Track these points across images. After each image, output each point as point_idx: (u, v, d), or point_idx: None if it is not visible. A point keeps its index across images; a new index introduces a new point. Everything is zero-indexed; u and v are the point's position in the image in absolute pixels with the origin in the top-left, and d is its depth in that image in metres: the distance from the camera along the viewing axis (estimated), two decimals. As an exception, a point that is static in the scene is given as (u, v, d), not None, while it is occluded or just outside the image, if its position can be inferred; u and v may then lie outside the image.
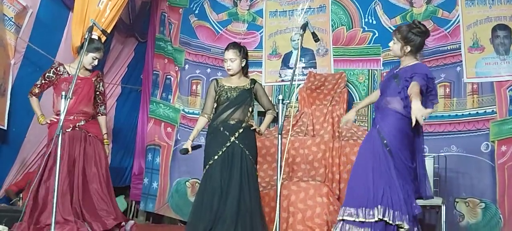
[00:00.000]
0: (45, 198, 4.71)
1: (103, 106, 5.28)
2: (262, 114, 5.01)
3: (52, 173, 4.64)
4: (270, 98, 4.88)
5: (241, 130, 4.48)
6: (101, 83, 5.24)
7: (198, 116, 6.80)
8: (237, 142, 4.44)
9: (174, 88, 7.09)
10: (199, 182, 6.51)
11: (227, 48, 4.67)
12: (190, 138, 4.64)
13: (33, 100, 5.05)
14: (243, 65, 4.62)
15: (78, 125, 4.99)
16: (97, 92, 5.20)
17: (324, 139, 5.64)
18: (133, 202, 7.19)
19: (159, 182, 6.85)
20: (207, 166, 4.47)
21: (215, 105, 4.64)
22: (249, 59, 4.86)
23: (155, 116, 7.10)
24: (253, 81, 4.66)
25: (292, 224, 5.08)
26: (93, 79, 5.15)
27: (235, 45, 4.68)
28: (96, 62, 5.11)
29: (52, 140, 4.69)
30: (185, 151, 4.59)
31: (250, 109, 4.59)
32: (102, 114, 5.28)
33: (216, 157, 4.43)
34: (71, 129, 4.93)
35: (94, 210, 4.85)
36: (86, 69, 5.09)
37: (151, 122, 7.11)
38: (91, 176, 4.96)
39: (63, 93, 4.06)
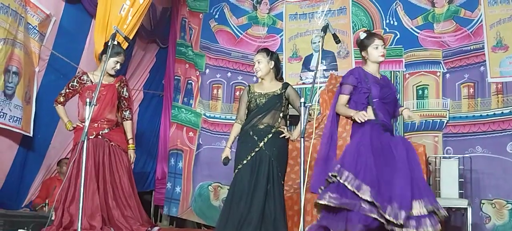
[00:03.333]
0: (74, 205, 4.72)
1: (128, 111, 5.24)
2: (295, 117, 4.90)
3: (79, 179, 4.69)
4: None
5: (270, 135, 4.46)
6: (125, 88, 5.21)
7: (219, 120, 6.93)
8: (264, 148, 4.42)
9: (195, 92, 7.12)
10: (221, 186, 6.58)
11: (256, 53, 4.72)
12: (228, 145, 4.63)
13: (59, 108, 5.09)
14: (271, 67, 4.59)
15: (102, 133, 4.99)
16: (121, 98, 5.19)
17: (347, 141, 5.59)
18: (152, 205, 7.23)
19: (182, 186, 6.88)
20: (236, 170, 4.49)
21: (247, 111, 4.64)
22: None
23: (177, 120, 7.14)
24: (285, 86, 4.60)
25: (316, 227, 5.05)
26: (117, 85, 5.13)
27: (263, 49, 4.72)
28: (118, 66, 5.08)
29: (76, 146, 4.74)
30: (227, 161, 4.59)
31: (281, 114, 4.54)
32: (127, 119, 5.24)
33: (244, 162, 4.44)
34: (94, 136, 4.92)
35: (121, 216, 4.87)
36: (110, 75, 5.09)
37: (173, 126, 7.15)
38: (115, 183, 4.96)
39: (88, 100, 4.09)
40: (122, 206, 4.92)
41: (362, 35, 4.14)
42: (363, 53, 4.14)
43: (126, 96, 5.22)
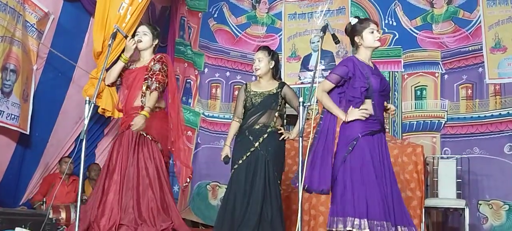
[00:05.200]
0: (104, 202, 4.37)
1: (155, 84, 4.35)
2: (292, 117, 4.87)
3: (111, 176, 4.41)
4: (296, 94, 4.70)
5: (265, 135, 4.44)
6: (157, 64, 4.43)
7: (217, 119, 6.93)
8: (259, 148, 4.41)
9: (194, 92, 7.12)
10: (220, 185, 6.58)
11: (257, 51, 4.68)
12: (227, 144, 4.59)
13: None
14: (271, 67, 4.57)
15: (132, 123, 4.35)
16: (150, 75, 4.41)
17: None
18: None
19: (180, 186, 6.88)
20: (232, 170, 4.48)
21: (244, 110, 4.61)
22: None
23: (175, 119, 7.13)
24: (282, 85, 4.56)
25: (314, 227, 5.06)
26: (150, 64, 4.45)
27: (264, 48, 4.68)
28: (141, 37, 4.45)
29: (115, 139, 4.60)
30: (228, 159, 4.56)
31: (277, 114, 4.52)
32: (152, 91, 4.36)
33: (240, 162, 4.43)
34: (127, 128, 4.43)
35: (147, 211, 4.40)
36: (144, 55, 4.51)
37: (171, 125, 7.14)
38: (140, 176, 4.44)
39: (87, 98, 4.02)
40: (146, 200, 4.41)
41: (354, 21, 3.87)
42: (356, 39, 3.83)
43: (155, 70, 4.41)
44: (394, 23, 6.29)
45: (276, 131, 4.47)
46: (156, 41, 4.61)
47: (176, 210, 4.55)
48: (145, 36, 4.52)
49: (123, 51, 4.57)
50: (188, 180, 4.51)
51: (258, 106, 4.50)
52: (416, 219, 5.22)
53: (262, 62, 4.52)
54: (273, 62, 4.55)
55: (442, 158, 5.70)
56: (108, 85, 4.63)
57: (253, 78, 4.62)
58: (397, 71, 6.24)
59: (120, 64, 4.48)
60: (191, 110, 7.08)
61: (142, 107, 4.38)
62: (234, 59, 7.01)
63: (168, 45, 7.44)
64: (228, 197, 4.44)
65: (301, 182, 3.55)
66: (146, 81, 4.42)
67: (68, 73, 5.99)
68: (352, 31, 3.86)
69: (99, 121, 6.30)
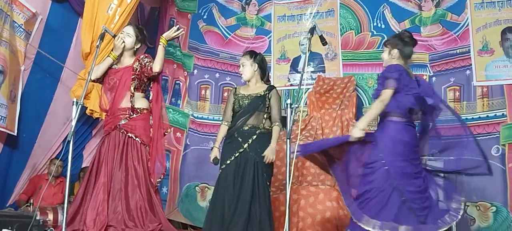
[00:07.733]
0: (83, 202, 4.38)
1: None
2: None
3: (97, 178, 4.39)
4: (280, 103, 4.68)
5: (254, 137, 4.46)
6: (143, 62, 4.48)
7: (206, 121, 6.92)
8: (248, 150, 4.43)
9: (183, 93, 7.11)
10: (208, 186, 6.57)
11: (242, 56, 4.72)
12: (216, 146, 4.61)
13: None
14: (255, 70, 4.59)
15: (119, 124, 4.44)
16: (138, 73, 4.46)
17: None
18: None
19: (168, 187, 6.86)
20: (220, 170, 4.49)
21: (232, 113, 4.64)
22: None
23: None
24: (270, 88, 4.59)
25: (302, 228, 5.07)
26: (135, 64, 4.47)
27: (247, 52, 4.73)
28: (125, 37, 4.47)
29: (102, 140, 4.55)
30: (217, 161, 4.57)
31: (266, 115, 4.54)
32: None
33: (228, 162, 4.45)
34: (112, 129, 4.46)
35: (135, 214, 4.37)
36: (128, 55, 4.51)
37: (160, 126, 7.12)
38: (127, 178, 4.41)
39: (74, 99, 4.02)
40: (134, 201, 4.38)
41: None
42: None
43: (144, 63, 4.47)
44: (383, 26, 6.32)
45: (265, 132, 4.49)
46: (139, 46, 4.64)
47: (163, 211, 4.57)
48: (128, 38, 4.54)
49: (112, 50, 4.58)
50: (161, 178, 4.49)
51: (246, 108, 4.52)
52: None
53: (245, 68, 4.58)
54: (256, 65, 4.58)
55: (429, 159, 5.72)
56: (92, 80, 4.56)
57: (242, 80, 4.64)
58: (386, 74, 6.26)
59: (108, 61, 4.51)
60: (180, 112, 7.06)
61: (131, 109, 4.45)
62: (223, 60, 7.01)
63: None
64: (216, 197, 4.44)
65: (289, 182, 3.56)
66: (134, 81, 4.47)
67: (56, 74, 5.97)
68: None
69: (87, 122, 6.28)
